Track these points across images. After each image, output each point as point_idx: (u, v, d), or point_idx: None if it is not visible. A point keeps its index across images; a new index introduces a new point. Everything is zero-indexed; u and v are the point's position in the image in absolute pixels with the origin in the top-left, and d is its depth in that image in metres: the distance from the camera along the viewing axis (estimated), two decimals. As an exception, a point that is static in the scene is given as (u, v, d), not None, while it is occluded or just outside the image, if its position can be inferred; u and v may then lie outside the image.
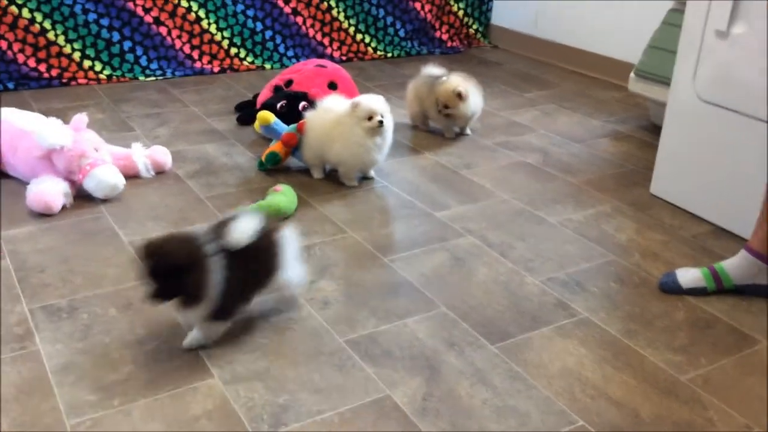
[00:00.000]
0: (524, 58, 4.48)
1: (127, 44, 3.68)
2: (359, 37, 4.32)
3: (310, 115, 2.61)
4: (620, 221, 2.42)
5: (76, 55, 3.58)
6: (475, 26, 4.71)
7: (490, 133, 3.18)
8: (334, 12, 4.19)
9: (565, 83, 3.96)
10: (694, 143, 2.42)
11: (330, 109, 2.57)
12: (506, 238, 2.28)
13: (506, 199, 2.54)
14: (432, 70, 3.13)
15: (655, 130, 3.20)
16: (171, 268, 1.56)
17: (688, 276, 2.02)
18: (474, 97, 3.02)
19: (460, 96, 2.94)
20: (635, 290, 2.04)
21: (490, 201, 2.53)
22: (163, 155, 2.64)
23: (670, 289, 2.02)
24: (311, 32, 4.16)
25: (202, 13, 3.81)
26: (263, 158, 2.64)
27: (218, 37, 3.90)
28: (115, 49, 3.66)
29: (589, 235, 2.32)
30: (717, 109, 2.33)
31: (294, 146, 2.64)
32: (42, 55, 3.51)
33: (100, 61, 3.64)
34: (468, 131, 3.14)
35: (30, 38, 3.46)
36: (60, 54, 3.54)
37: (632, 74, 3.14)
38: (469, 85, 3.00)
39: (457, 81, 2.98)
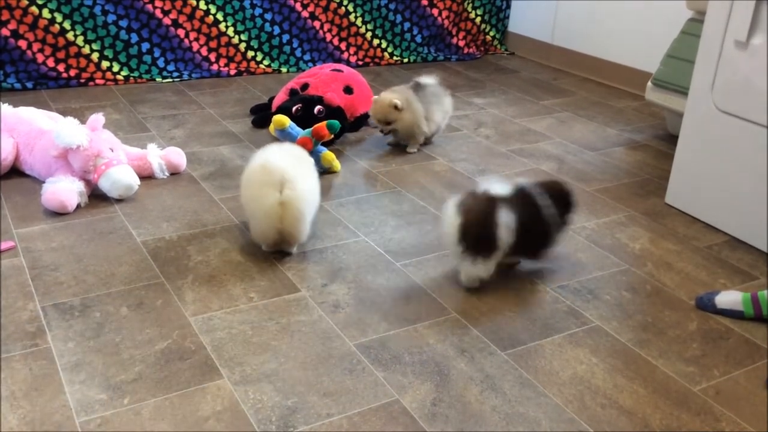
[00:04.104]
0: (541, 65, 4.47)
1: (145, 46, 3.70)
2: (376, 42, 4.32)
3: None
4: (634, 230, 2.40)
5: (95, 56, 3.60)
6: (492, 33, 4.71)
7: (505, 140, 3.18)
8: (352, 17, 4.20)
9: (581, 91, 3.95)
10: (711, 153, 2.41)
11: None
12: (519, 245, 2.28)
13: (520, 206, 2.53)
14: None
15: (672, 139, 3.18)
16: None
17: (727, 298, 1.97)
18: (418, 108, 2.89)
19: (396, 108, 2.86)
20: (648, 299, 2.03)
21: (504, 208, 2.52)
22: (178, 156, 2.64)
23: (704, 306, 1.99)
24: (328, 36, 4.17)
25: (220, 16, 3.83)
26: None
27: (236, 40, 3.92)
28: (133, 51, 3.68)
29: (603, 243, 2.31)
30: (734, 119, 2.31)
31: (309, 151, 2.64)
32: (61, 55, 3.53)
33: (118, 62, 3.67)
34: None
35: (49, 38, 3.48)
36: (78, 54, 3.57)
37: (649, 83, 3.12)
38: (408, 96, 2.90)
39: (390, 94, 2.89)
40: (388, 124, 2.91)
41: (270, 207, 2.03)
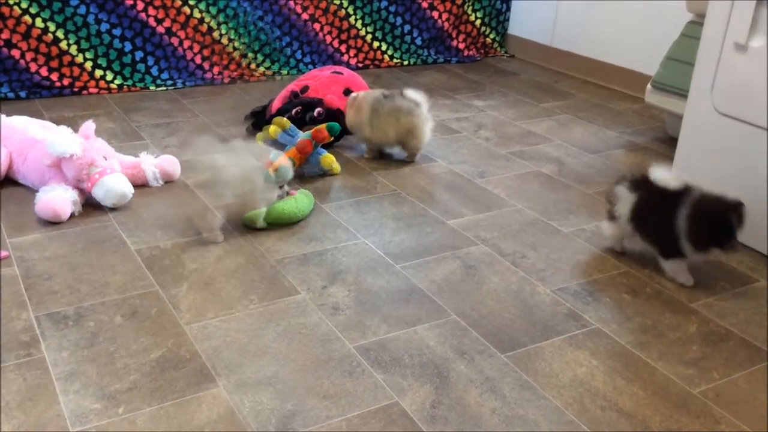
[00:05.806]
0: (541, 68, 4.46)
1: (138, 54, 3.69)
2: (376, 44, 4.31)
3: None
4: (634, 231, 2.39)
5: (88, 65, 3.59)
6: (492, 35, 4.70)
7: (505, 142, 3.16)
8: (352, 19, 4.19)
9: (581, 94, 3.94)
10: (711, 156, 2.39)
11: None
12: (519, 248, 2.26)
13: (520, 209, 2.52)
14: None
15: (671, 142, 3.17)
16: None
17: None
18: (364, 111, 2.84)
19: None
20: (647, 302, 2.01)
21: (504, 210, 2.51)
22: (172, 164, 2.62)
23: None
24: (328, 39, 4.16)
25: (214, 24, 3.82)
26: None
27: (230, 48, 3.90)
28: (127, 59, 3.67)
29: (602, 245, 2.29)
30: (734, 122, 2.30)
31: (308, 153, 2.64)
32: (54, 64, 3.52)
33: (112, 70, 3.65)
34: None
35: (43, 48, 3.47)
36: (72, 63, 3.55)
37: (649, 86, 3.11)
38: (369, 98, 2.85)
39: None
40: None
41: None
